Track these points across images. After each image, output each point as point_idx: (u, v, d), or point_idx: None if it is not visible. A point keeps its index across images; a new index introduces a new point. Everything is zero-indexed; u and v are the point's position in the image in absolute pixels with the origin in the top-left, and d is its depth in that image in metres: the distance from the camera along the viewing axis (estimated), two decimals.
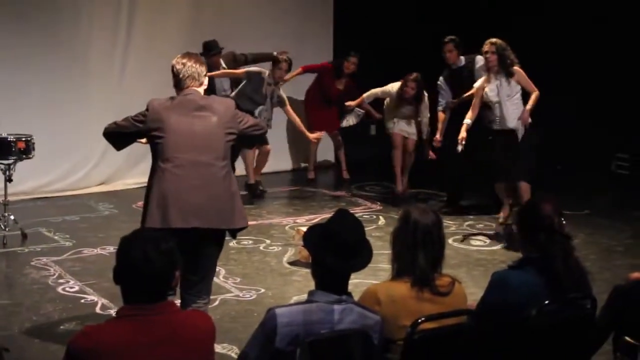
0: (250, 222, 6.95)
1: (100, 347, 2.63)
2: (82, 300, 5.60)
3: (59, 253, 6.68)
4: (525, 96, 7.17)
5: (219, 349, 4.58)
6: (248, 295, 5.74)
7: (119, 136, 4.47)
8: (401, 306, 3.21)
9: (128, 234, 2.86)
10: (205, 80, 4.41)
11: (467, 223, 7.75)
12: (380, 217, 7.95)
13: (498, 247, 7.01)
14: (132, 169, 9.26)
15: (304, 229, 6.84)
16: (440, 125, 8.14)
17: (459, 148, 7.34)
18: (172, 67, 4.36)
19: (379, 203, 8.53)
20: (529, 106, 7.10)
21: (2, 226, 6.96)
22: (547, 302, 3.23)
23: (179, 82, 4.34)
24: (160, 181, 4.17)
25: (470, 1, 10.04)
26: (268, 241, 7.10)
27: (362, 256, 3.14)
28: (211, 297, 4.60)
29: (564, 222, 3.49)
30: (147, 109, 4.29)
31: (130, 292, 2.75)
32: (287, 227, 7.58)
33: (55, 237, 7.15)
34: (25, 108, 8.41)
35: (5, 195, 7.12)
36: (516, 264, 3.45)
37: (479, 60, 7.78)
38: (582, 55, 9.39)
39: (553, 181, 8.51)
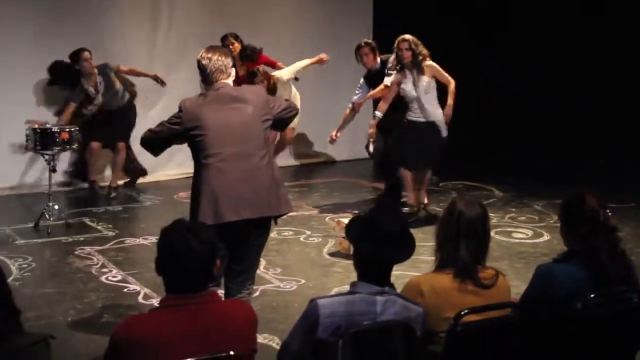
0: (290, 214, 7.03)
1: (143, 337, 2.66)
2: (125, 290, 5.66)
3: (102, 243, 6.76)
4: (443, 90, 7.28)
5: (260, 339, 4.59)
6: (289, 286, 5.75)
7: (156, 142, 4.46)
8: (444, 298, 3.19)
9: (168, 224, 2.87)
10: (233, 72, 4.40)
11: (508, 215, 7.67)
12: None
13: (541, 240, 6.93)
14: (173, 160, 9.33)
15: (344, 220, 6.85)
16: (341, 122, 8.11)
17: (371, 148, 7.63)
18: (198, 62, 4.34)
19: None
20: (450, 101, 7.17)
21: (46, 216, 7.08)
22: (592, 295, 3.18)
23: (207, 77, 4.32)
24: (206, 178, 4.18)
25: None
26: (308, 232, 7.11)
27: (405, 247, 3.13)
28: (254, 287, 4.61)
29: (609, 214, 3.44)
30: (180, 110, 4.27)
31: (173, 282, 2.77)
32: (327, 219, 7.57)
33: (98, 227, 7.24)
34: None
35: (50, 185, 7.24)
36: (561, 257, 3.40)
37: (391, 60, 7.85)
38: (623, 44, 9.24)
39: (598, 174, 8.39)
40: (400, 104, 7.49)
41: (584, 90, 9.31)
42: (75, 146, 7.25)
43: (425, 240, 5.35)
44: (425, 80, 7.19)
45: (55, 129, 7.09)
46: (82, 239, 6.87)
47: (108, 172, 8.93)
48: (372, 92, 7.94)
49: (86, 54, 8.17)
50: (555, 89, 9.55)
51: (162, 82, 8.77)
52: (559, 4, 9.51)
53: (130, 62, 8.74)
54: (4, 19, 8.35)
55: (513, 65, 9.76)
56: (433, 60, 7.29)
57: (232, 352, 2.67)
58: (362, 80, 8.13)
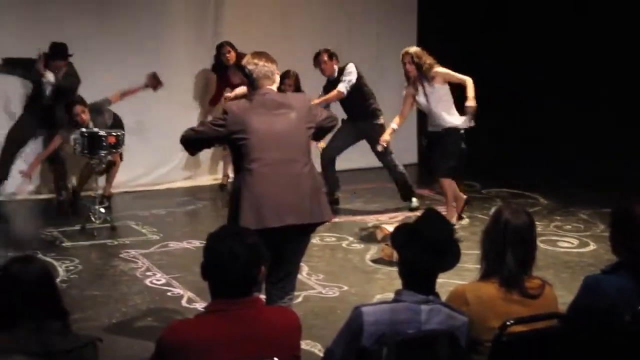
0: (333, 219, 7.01)
1: (188, 342, 2.68)
2: (169, 293, 5.71)
3: (147, 246, 6.82)
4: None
5: (302, 345, 4.52)
6: (331, 293, 5.75)
7: (197, 142, 4.51)
8: (489, 307, 3.16)
9: (214, 230, 2.89)
10: (277, 78, 4.42)
11: (553, 224, 7.58)
12: (464, 216, 7.84)
13: (587, 249, 6.84)
14: (216, 165, 9.42)
15: (387, 226, 6.84)
16: None
17: (379, 148, 7.55)
18: (244, 68, 4.37)
19: None
20: (470, 94, 6.99)
21: (92, 219, 7.17)
22: None
23: (253, 82, 4.35)
24: (249, 182, 4.19)
25: None
26: (351, 238, 7.09)
27: (450, 256, 3.11)
28: (295, 293, 4.63)
29: None
30: (225, 113, 4.30)
31: (218, 287, 2.79)
32: (370, 225, 7.57)
33: (143, 231, 7.31)
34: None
35: (96, 188, 7.34)
36: (609, 268, 3.34)
37: (349, 67, 7.79)
38: None
39: None
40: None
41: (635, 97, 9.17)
42: (121, 150, 7.33)
43: (469, 248, 5.31)
44: (437, 88, 7.13)
45: (102, 133, 7.19)
46: (127, 242, 6.95)
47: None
48: (325, 97, 7.88)
49: (78, 108, 7.72)
50: (602, 93, 9.40)
51: (155, 86, 8.30)
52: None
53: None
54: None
55: (557, 68, 9.64)
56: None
57: (275, 359, 2.68)
58: (322, 91, 8.07)
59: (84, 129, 7.29)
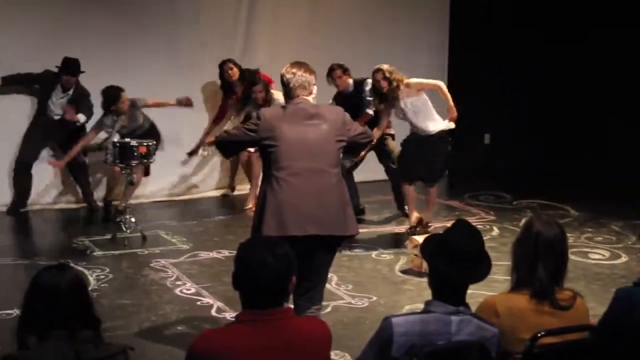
0: (362, 230, 7.01)
1: (219, 351, 2.69)
2: (199, 303, 5.73)
3: (177, 255, 6.86)
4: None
5: (331, 355, 4.59)
6: (360, 303, 5.74)
7: (230, 144, 4.60)
8: (520, 319, 3.14)
9: (245, 240, 2.90)
10: (315, 89, 4.44)
11: (584, 236, 7.52)
12: (494, 227, 7.81)
13: (618, 261, 6.77)
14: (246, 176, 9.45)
15: (417, 237, 6.82)
16: None
17: (347, 164, 7.48)
18: (282, 76, 4.41)
19: (492, 213, 8.38)
20: (450, 102, 7.06)
21: (123, 228, 7.23)
22: None
23: (289, 92, 4.38)
24: (275, 189, 4.22)
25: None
26: (380, 249, 7.09)
27: (481, 267, 3.10)
28: (323, 303, 4.63)
29: None
30: (259, 118, 4.35)
31: (249, 297, 2.80)
32: (399, 235, 7.55)
33: (173, 240, 7.35)
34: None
35: (127, 198, 7.40)
36: None
37: (369, 82, 7.68)
38: None
39: None
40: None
41: None
42: (152, 160, 7.38)
43: (498, 259, 5.28)
44: (411, 101, 7.12)
45: (133, 143, 7.25)
46: (158, 251, 6.99)
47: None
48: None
49: (124, 94, 7.79)
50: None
51: (187, 104, 8.40)
52: None
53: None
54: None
55: (592, 76, 9.57)
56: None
57: None
58: (331, 102, 7.91)
59: (115, 139, 7.36)
